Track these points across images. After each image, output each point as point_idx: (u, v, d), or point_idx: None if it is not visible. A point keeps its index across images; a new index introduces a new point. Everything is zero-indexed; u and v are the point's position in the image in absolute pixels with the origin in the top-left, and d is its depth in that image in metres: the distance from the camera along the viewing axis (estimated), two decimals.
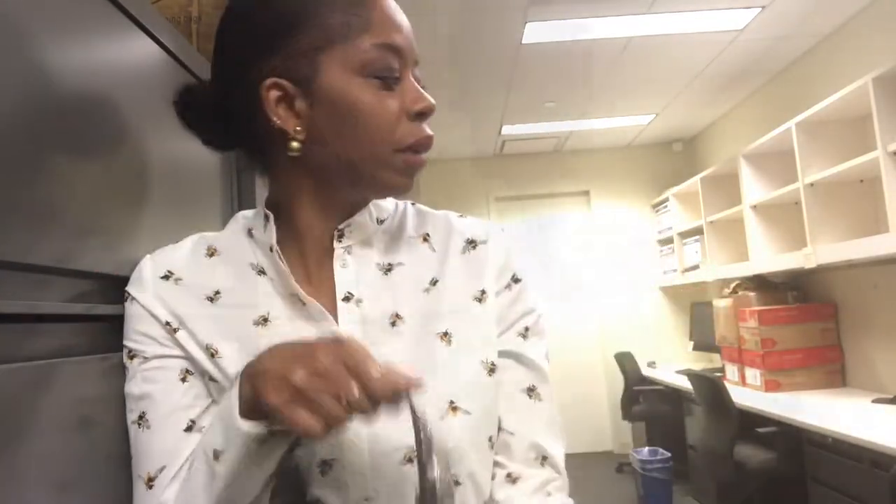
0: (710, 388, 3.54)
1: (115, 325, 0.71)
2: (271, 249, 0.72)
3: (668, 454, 4.12)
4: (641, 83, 4.31)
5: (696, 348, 5.08)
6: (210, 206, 1.06)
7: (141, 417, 0.68)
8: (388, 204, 0.81)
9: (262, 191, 1.20)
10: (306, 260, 0.74)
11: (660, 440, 4.69)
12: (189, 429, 0.67)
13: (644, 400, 4.87)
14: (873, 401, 3.12)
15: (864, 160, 2.87)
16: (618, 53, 3.74)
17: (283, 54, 0.69)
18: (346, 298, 0.72)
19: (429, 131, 0.72)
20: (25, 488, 0.56)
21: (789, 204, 3.70)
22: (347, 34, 0.69)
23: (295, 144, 0.70)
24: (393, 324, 0.72)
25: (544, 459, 0.74)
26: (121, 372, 0.70)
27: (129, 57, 0.80)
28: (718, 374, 3.88)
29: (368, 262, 0.75)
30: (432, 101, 0.71)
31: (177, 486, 0.65)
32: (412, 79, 0.72)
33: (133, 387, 0.69)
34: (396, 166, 0.70)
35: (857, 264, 3.37)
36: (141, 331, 0.70)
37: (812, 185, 3.28)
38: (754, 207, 3.94)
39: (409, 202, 0.83)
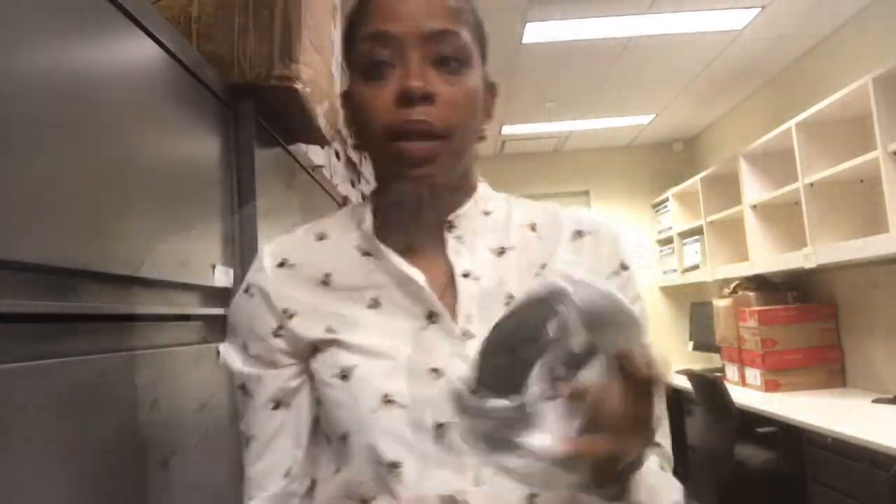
0: (710, 388, 3.54)
1: (115, 325, 0.71)
2: (367, 231, 0.76)
3: None
4: (641, 83, 4.31)
5: (695, 348, 5.08)
6: (210, 205, 1.06)
7: (243, 387, 0.75)
8: (494, 196, 0.82)
9: (262, 190, 1.20)
10: (415, 252, 0.76)
11: None
12: (276, 406, 0.73)
13: None
14: (873, 401, 3.11)
15: (864, 160, 2.87)
16: (618, 53, 3.74)
17: (346, 60, 0.75)
18: (466, 275, 0.74)
19: (415, 115, 0.68)
20: (25, 488, 0.56)
21: (789, 204, 3.69)
22: (355, 32, 0.72)
23: (357, 142, 0.75)
24: (507, 304, 0.72)
25: (657, 446, 0.73)
26: (121, 372, 0.70)
27: (129, 57, 0.80)
28: (718, 374, 3.89)
29: (481, 248, 0.76)
30: (413, 82, 0.67)
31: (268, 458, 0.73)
32: (411, 60, 0.69)
33: (236, 363, 0.75)
34: (392, 157, 0.70)
35: (857, 264, 3.36)
36: (258, 332, 0.74)
37: (812, 185, 3.28)
38: (754, 207, 3.94)
39: (511, 195, 0.85)
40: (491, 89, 0.79)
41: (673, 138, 5.82)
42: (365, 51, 0.70)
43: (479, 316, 0.72)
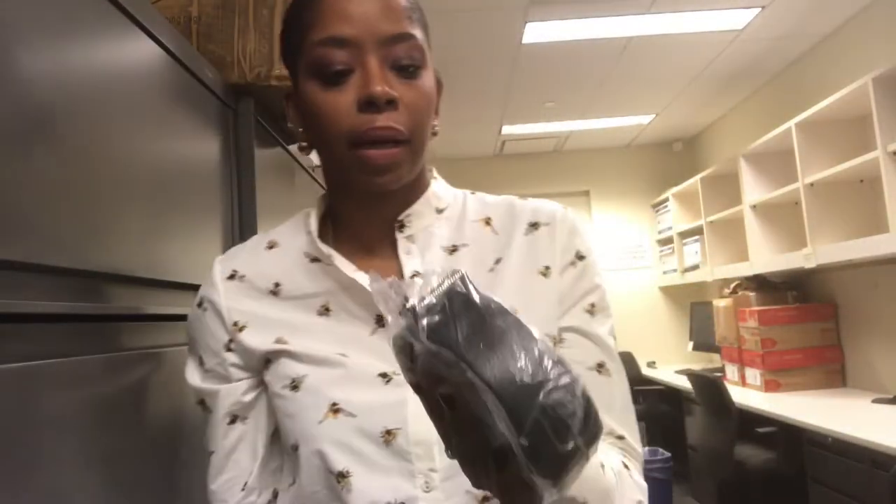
0: (710, 388, 3.54)
1: (116, 325, 0.71)
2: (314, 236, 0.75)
3: (668, 454, 4.11)
4: (641, 83, 4.31)
5: (695, 348, 5.08)
6: (210, 205, 1.06)
7: (202, 403, 0.75)
8: (447, 193, 0.81)
9: (262, 190, 1.20)
10: (369, 253, 0.75)
11: (660, 440, 4.69)
12: (232, 421, 0.73)
13: (644, 400, 4.87)
14: (873, 401, 3.11)
15: (864, 160, 2.87)
16: (618, 53, 3.74)
17: (288, 61, 0.74)
18: (416, 275, 0.73)
19: (380, 122, 0.66)
20: (25, 489, 0.56)
21: (789, 204, 3.69)
22: (304, 34, 0.70)
23: (303, 144, 0.74)
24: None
25: (619, 439, 0.73)
26: (121, 371, 0.70)
27: (129, 57, 0.80)
28: (718, 374, 3.88)
29: (433, 247, 0.75)
30: (377, 87, 0.65)
31: (227, 472, 0.72)
32: (372, 65, 0.67)
33: (194, 379, 0.75)
34: (354, 164, 0.68)
35: (857, 264, 3.36)
36: (212, 347, 0.74)
37: (812, 185, 3.28)
38: (754, 207, 3.94)
39: (468, 191, 0.83)
40: (439, 85, 0.78)
41: (673, 138, 5.82)
42: (320, 55, 0.68)
43: None
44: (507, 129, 5.16)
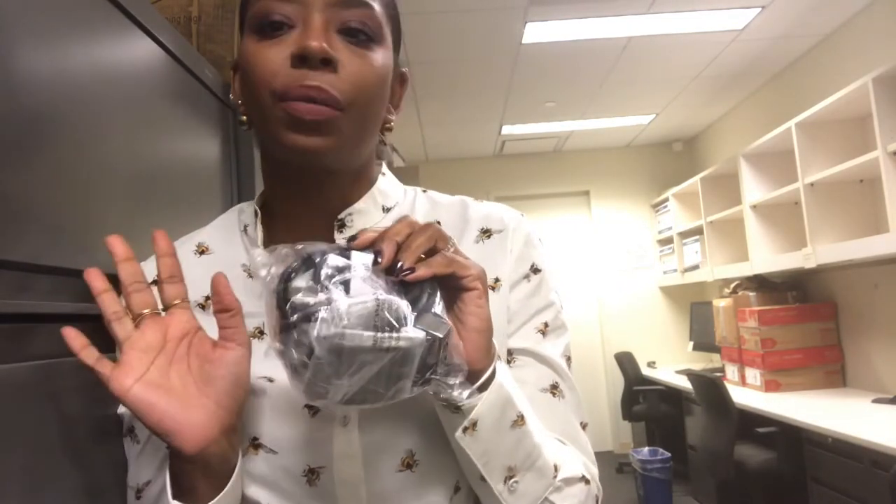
0: (710, 388, 3.54)
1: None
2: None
3: (668, 454, 4.12)
4: (641, 83, 4.31)
5: (696, 348, 5.08)
6: (210, 205, 1.06)
7: (131, 431, 0.67)
8: (396, 190, 0.74)
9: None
10: None
11: (660, 440, 4.69)
12: None
13: (644, 400, 4.87)
14: (873, 401, 3.12)
15: (864, 160, 2.87)
16: (618, 53, 3.74)
17: (241, 29, 0.68)
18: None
19: (312, 79, 0.59)
20: (25, 489, 0.56)
21: (789, 204, 3.70)
22: None
23: (243, 118, 0.67)
24: None
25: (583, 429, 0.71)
26: None
27: (129, 57, 0.80)
28: (718, 374, 3.88)
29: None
30: (312, 42, 0.59)
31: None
32: (314, 21, 0.61)
33: (122, 407, 0.67)
34: (279, 117, 0.60)
35: (857, 264, 3.37)
36: None
37: (812, 185, 3.28)
38: (754, 207, 3.94)
39: (419, 188, 0.78)
40: (401, 79, 0.72)
41: (673, 138, 5.82)
42: (262, 7, 0.62)
43: None
44: (507, 129, 5.16)
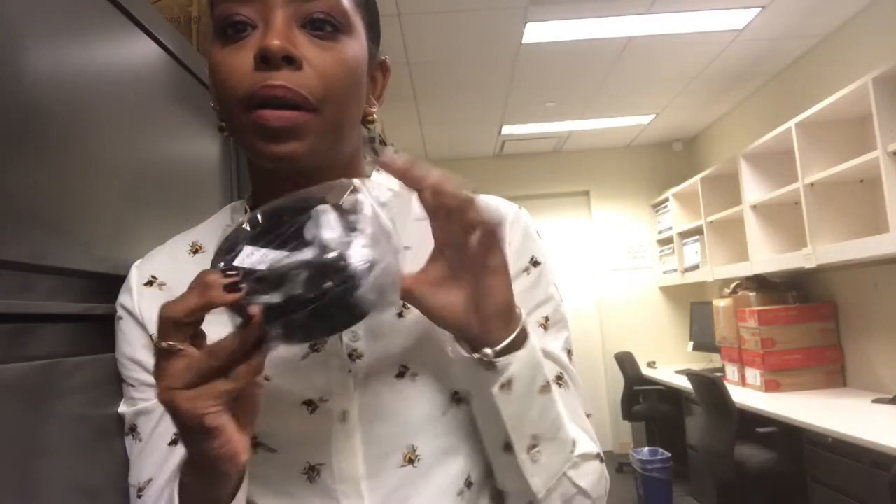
0: (710, 388, 3.54)
1: (111, 326, 0.71)
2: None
3: (668, 454, 4.12)
4: (641, 83, 4.31)
5: (696, 348, 5.08)
6: (210, 205, 1.06)
7: (133, 429, 0.67)
8: (391, 185, 0.71)
9: None
10: None
11: (660, 440, 4.69)
12: (174, 442, 0.63)
13: (644, 400, 4.87)
14: (873, 401, 3.12)
15: (864, 160, 2.87)
16: (618, 53, 3.74)
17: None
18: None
19: (275, 80, 0.57)
20: (25, 489, 0.56)
21: (789, 204, 3.70)
22: None
23: (221, 125, 0.65)
24: (400, 314, 0.66)
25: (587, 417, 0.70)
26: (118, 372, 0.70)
27: (129, 57, 0.80)
28: (718, 374, 3.88)
29: None
30: (273, 41, 0.57)
31: (166, 498, 0.61)
32: (275, 19, 0.58)
33: (123, 406, 0.67)
34: (250, 130, 0.59)
35: (857, 264, 3.36)
36: (128, 355, 0.67)
37: (812, 185, 3.28)
38: (754, 207, 3.94)
39: None
40: (382, 69, 0.70)
41: (673, 138, 5.82)
42: (223, 10, 0.59)
43: (366, 332, 0.65)
44: (507, 129, 5.16)
